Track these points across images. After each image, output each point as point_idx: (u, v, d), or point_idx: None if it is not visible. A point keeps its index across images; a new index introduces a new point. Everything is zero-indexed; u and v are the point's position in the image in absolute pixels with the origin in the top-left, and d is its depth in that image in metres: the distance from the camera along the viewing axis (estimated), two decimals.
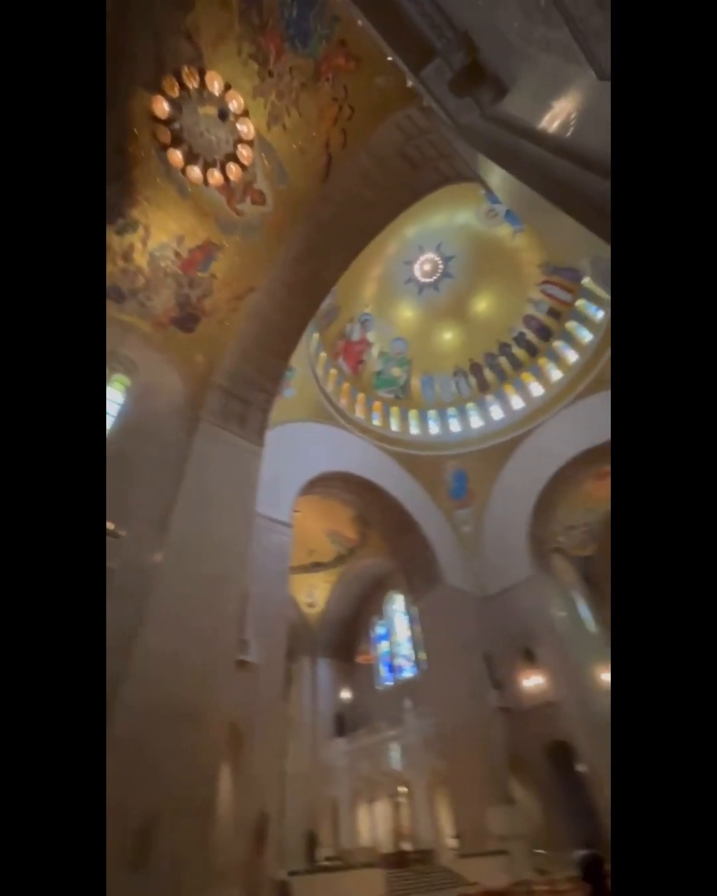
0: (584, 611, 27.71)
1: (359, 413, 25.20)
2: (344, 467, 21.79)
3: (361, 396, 26.05)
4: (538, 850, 16.63)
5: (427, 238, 26.13)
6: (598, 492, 29.85)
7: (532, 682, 21.24)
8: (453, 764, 19.23)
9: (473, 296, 28.68)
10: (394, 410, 27.54)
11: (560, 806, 18.65)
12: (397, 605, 29.46)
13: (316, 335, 23.72)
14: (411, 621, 26.68)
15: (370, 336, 26.82)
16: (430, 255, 27.31)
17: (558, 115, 4.34)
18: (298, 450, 19.83)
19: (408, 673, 26.76)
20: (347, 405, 24.58)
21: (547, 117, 4.81)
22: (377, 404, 26.88)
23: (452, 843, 19.20)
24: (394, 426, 26.84)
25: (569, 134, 4.09)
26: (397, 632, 28.61)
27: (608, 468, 27.55)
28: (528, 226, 23.20)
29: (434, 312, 28.83)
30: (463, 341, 29.76)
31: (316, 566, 29.29)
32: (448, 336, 29.82)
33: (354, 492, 22.91)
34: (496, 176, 10.29)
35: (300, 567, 28.95)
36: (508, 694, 21.20)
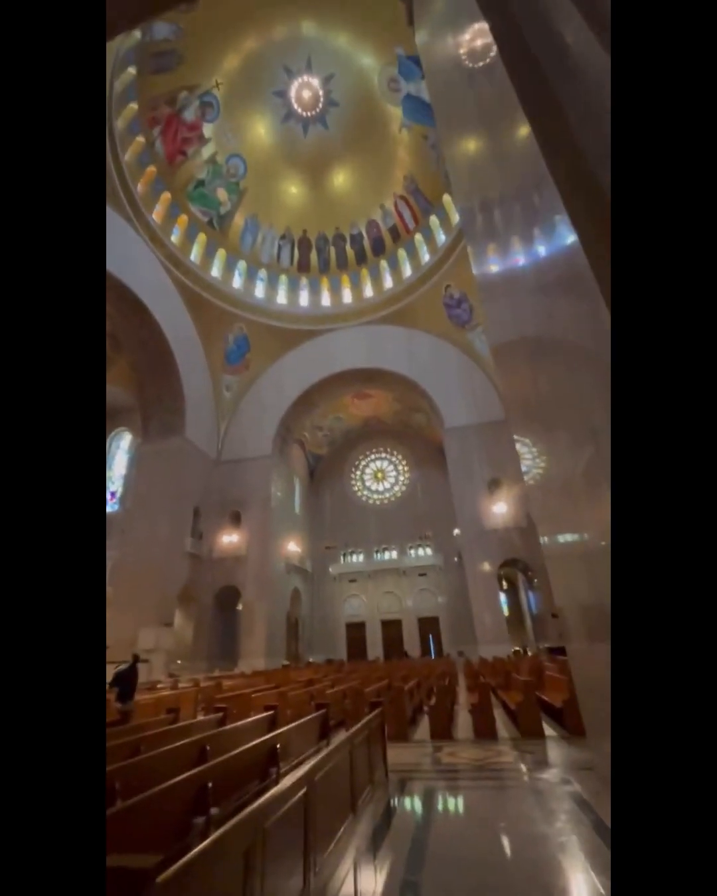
0: (298, 496, 32.10)
1: (157, 217, 20.37)
2: (113, 269, 17.64)
3: (166, 197, 20.92)
4: (179, 661, 19.29)
5: (321, 57, 21.63)
6: (352, 408, 33.35)
7: (229, 539, 23.79)
8: (124, 591, 19.87)
9: (336, 164, 25.81)
10: (201, 237, 23.36)
11: (210, 633, 22.27)
12: (124, 444, 27.30)
13: (133, 71, 17.28)
14: (132, 462, 25.28)
15: (207, 129, 21.31)
16: (315, 83, 22.89)
17: None
18: None
19: (110, 508, 25.75)
20: (144, 196, 19.44)
21: None
22: (184, 218, 22.17)
23: None
24: (194, 255, 22.92)
25: None
26: (113, 469, 26.77)
27: (367, 392, 30.65)
28: (423, 125, 21.60)
29: (291, 153, 24.90)
30: (305, 206, 26.96)
31: None
32: (294, 191, 26.50)
33: (115, 304, 19.03)
34: (426, 28, 8.35)
35: None
36: (203, 544, 23.16)
